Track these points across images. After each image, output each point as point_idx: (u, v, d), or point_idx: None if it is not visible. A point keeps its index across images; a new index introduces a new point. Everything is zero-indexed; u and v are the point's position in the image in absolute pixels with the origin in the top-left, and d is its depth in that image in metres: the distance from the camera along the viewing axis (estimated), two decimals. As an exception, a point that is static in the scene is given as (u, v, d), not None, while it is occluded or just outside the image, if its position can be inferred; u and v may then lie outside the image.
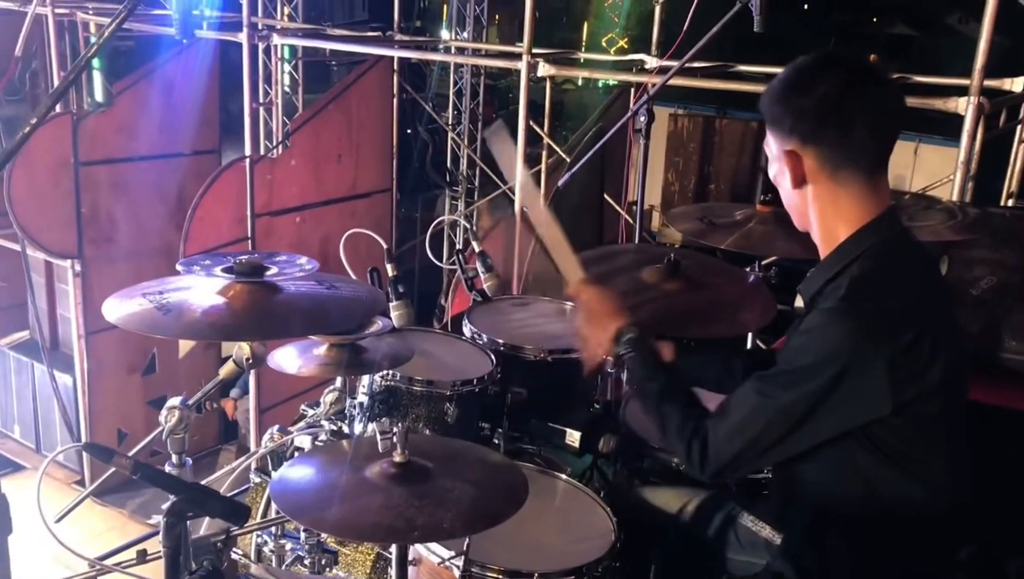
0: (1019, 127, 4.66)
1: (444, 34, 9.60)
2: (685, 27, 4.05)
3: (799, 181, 1.72)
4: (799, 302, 3.77)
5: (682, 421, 1.76)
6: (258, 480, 2.69)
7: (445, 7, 10.51)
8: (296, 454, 2.52)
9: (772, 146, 1.77)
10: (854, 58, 1.71)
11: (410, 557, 2.07)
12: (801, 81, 1.71)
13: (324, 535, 2.41)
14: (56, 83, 6.69)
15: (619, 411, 2.58)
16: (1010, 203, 4.65)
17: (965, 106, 3.63)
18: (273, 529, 2.44)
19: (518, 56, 5.08)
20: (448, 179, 8.52)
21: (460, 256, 3.34)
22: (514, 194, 5.35)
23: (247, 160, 5.98)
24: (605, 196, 5.95)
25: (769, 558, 2.02)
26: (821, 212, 1.73)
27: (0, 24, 7.00)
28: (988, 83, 3.73)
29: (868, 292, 1.63)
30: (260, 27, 6.27)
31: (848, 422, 1.61)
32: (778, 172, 1.77)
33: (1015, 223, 3.50)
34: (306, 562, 2.41)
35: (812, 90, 1.67)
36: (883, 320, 1.59)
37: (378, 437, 1.87)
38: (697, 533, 2.17)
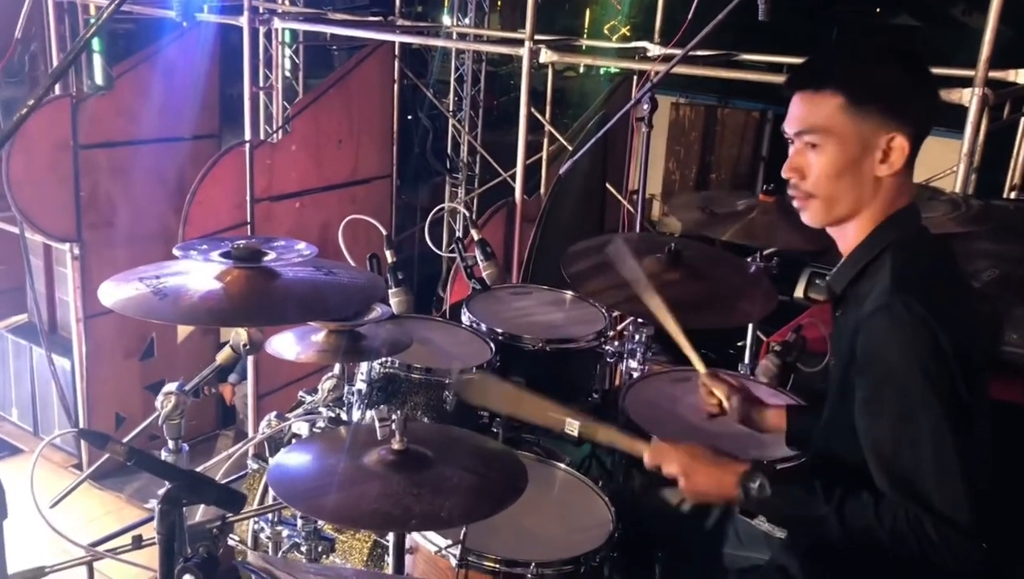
0: (1023, 119, 4.64)
1: (446, 20, 9.55)
2: (690, 15, 4.02)
3: (894, 170, 1.63)
4: (799, 292, 3.76)
5: (889, 530, 1.53)
6: (255, 466, 2.68)
7: (447, -7, 10.46)
8: (294, 441, 2.52)
9: (850, 128, 1.63)
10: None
11: (407, 545, 2.07)
12: (882, 59, 1.65)
13: (321, 522, 2.41)
14: (55, 65, 6.65)
15: (618, 400, 2.57)
16: (1013, 195, 4.63)
17: (969, 97, 3.61)
18: (270, 516, 2.43)
19: (520, 42, 5.05)
20: (449, 166, 8.49)
21: (460, 244, 3.33)
22: (514, 182, 5.33)
23: (247, 145, 5.95)
24: (607, 184, 5.92)
25: (768, 552, 2.01)
26: (881, 204, 1.66)
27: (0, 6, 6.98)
28: (992, 74, 3.71)
29: (918, 281, 1.59)
30: (261, 10, 6.23)
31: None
32: (853, 157, 1.63)
33: (1018, 216, 3.49)
34: (303, 549, 2.40)
35: (898, 67, 1.63)
36: (943, 308, 1.55)
37: (376, 424, 1.86)
38: (695, 526, 2.17)
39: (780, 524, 1.84)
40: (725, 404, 2.15)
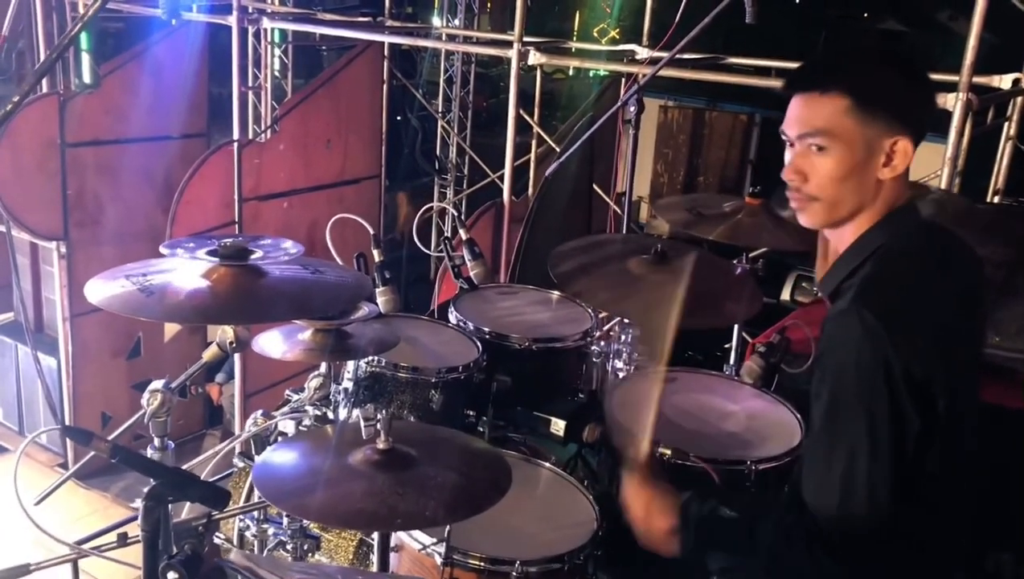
0: (1006, 124, 4.68)
1: (435, 21, 9.56)
2: (677, 18, 4.04)
3: (899, 169, 1.63)
4: (785, 294, 3.75)
5: (784, 538, 1.54)
6: (241, 465, 2.68)
7: (437, -6, 10.47)
8: (280, 439, 2.52)
9: (856, 131, 1.61)
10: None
11: (392, 544, 2.07)
12: (884, 64, 1.65)
13: (307, 521, 2.41)
14: (42, 62, 6.62)
15: (604, 400, 2.58)
16: (996, 200, 4.67)
17: (954, 102, 3.64)
18: (255, 514, 2.43)
19: (509, 44, 5.06)
20: (437, 167, 8.49)
21: (448, 244, 3.33)
22: (502, 183, 5.34)
23: (235, 144, 5.94)
24: (594, 186, 5.94)
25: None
26: (882, 202, 1.65)
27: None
28: (977, 80, 3.74)
29: (881, 291, 1.58)
30: (250, 10, 6.22)
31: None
32: (858, 160, 1.61)
33: (1001, 219, 3.52)
34: (288, 547, 2.40)
35: (898, 74, 1.64)
36: (899, 322, 1.52)
37: (362, 424, 1.86)
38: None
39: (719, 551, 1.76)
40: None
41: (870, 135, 1.61)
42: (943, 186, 3.71)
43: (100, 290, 1.84)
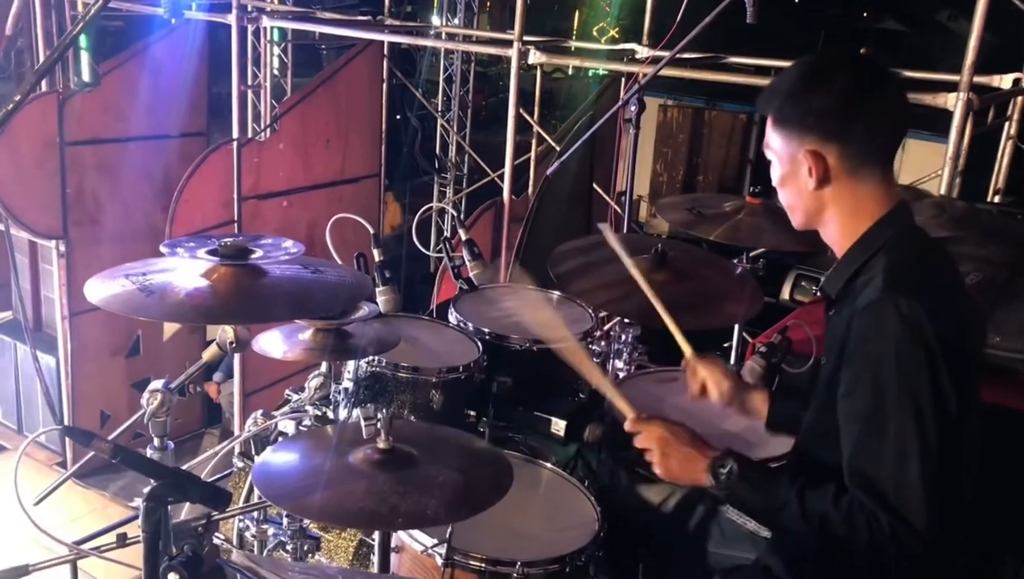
0: (1007, 124, 4.68)
1: (435, 20, 9.56)
2: (679, 17, 4.04)
3: (821, 181, 1.70)
4: (785, 294, 3.77)
5: (844, 518, 1.57)
6: (241, 465, 2.67)
7: (436, -7, 10.46)
8: (280, 439, 2.51)
9: (781, 147, 1.75)
10: (860, 56, 1.75)
11: (393, 544, 2.07)
12: (818, 78, 1.71)
13: (307, 521, 2.40)
14: (42, 62, 6.62)
15: (604, 401, 2.58)
16: (997, 200, 4.67)
17: (954, 102, 3.63)
18: (255, 514, 2.43)
19: (509, 43, 5.05)
20: (437, 166, 8.49)
21: (447, 244, 3.33)
22: (502, 182, 5.34)
23: (234, 143, 5.93)
24: (594, 185, 5.94)
25: (753, 552, 2.02)
26: (840, 211, 1.73)
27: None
28: (977, 79, 3.74)
29: (906, 279, 1.62)
30: (249, 9, 6.21)
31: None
32: (787, 173, 1.75)
33: (1001, 220, 3.52)
34: (288, 547, 2.40)
35: (831, 86, 1.68)
36: (933, 304, 1.57)
37: (362, 423, 1.86)
38: (680, 524, 2.18)
39: (747, 511, 1.89)
40: (709, 386, 2.16)
41: (790, 148, 1.73)
42: (944, 185, 3.71)
43: (100, 290, 1.83)
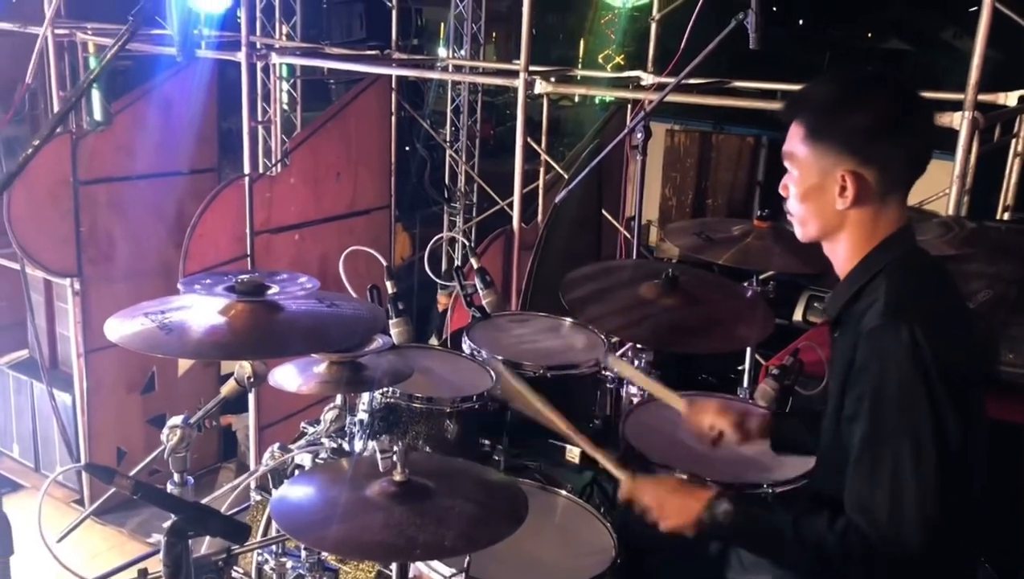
0: (1013, 141, 4.69)
1: (442, 52, 9.64)
2: (682, 44, 4.08)
3: (856, 202, 1.68)
4: (797, 315, 3.80)
5: (838, 540, 1.58)
6: (259, 498, 2.69)
7: (443, 25, 10.56)
8: (297, 472, 2.53)
9: (811, 161, 1.71)
10: (896, 76, 1.73)
11: (411, 575, 2.07)
12: (860, 97, 1.69)
13: (325, 553, 2.41)
14: (55, 103, 6.71)
15: (619, 427, 2.58)
16: (1006, 217, 4.67)
17: (960, 121, 3.65)
18: (274, 547, 2.44)
19: (515, 73, 5.10)
20: (446, 196, 8.54)
21: (459, 273, 3.35)
22: (512, 210, 5.37)
23: (246, 178, 5.99)
24: (603, 211, 5.96)
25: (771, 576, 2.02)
26: (857, 232, 1.72)
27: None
28: (982, 97, 3.76)
29: (908, 304, 1.62)
30: (259, 46, 6.30)
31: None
32: (813, 187, 1.72)
33: (1011, 237, 3.52)
34: (307, 580, 2.40)
35: (874, 107, 1.66)
36: (934, 330, 1.57)
37: (378, 456, 1.87)
38: (699, 552, 2.17)
39: (747, 548, 1.89)
40: (721, 428, 2.19)
41: (824, 164, 1.70)
42: (952, 203, 3.72)
43: (120, 328, 1.86)
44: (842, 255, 1.76)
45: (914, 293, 1.66)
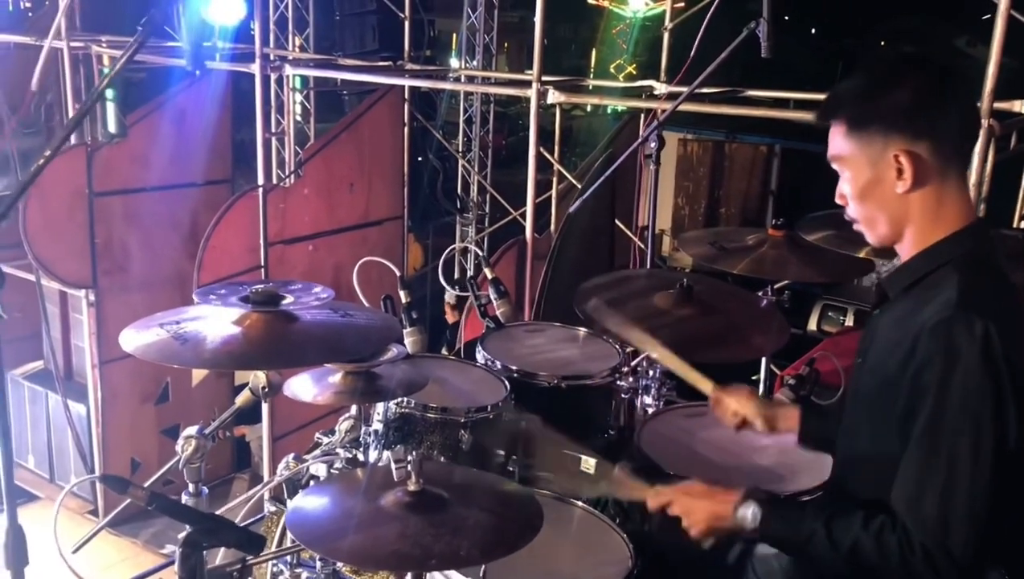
0: (1030, 148, 4.66)
1: (454, 63, 9.68)
2: (692, 53, 4.07)
3: (914, 183, 1.63)
4: (812, 324, 3.74)
5: (874, 540, 1.55)
6: (273, 509, 2.68)
7: (455, 36, 10.61)
8: (311, 482, 2.52)
9: (860, 153, 1.67)
10: (923, 55, 1.71)
11: (426, 586, 2.06)
12: (893, 77, 1.66)
13: (340, 563, 2.40)
14: (71, 115, 6.76)
15: (634, 437, 2.57)
16: (1023, 225, 4.64)
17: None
18: (289, 558, 2.43)
19: (528, 83, 5.11)
20: (459, 206, 8.55)
21: (472, 283, 3.35)
22: (525, 220, 5.37)
23: (260, 189, 6.02)
24: (616, 221, 5.96)
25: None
26: (923, 216, 1.66)
27: (15, 58, 7.11)
28: (998, 105, 3.74)
29: (985, 299, 1.57)
30: (272, 58, 6.33)
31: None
32: (870, 180, 1.67)
33: (1028, 245, 3.49)
34: (321, 591, 2.40)
35: (910, 83, 1.64)
36: (1007, 330, 1.52)
37: (393, 466, 1.87)
38: (715, 563, 2.16)
39: (778, 546, 1.84)
40: (746, 414, 2.17)
41: (872, 153, 1.66)
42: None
43: (135, 339, 1.87)
44: (909, 242, 1.70)
45: (987, 291, 1.61)
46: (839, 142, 1.70)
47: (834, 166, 1.74)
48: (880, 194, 1.67)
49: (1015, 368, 1.50)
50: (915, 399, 1.56)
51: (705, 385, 2.28)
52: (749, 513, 1.72)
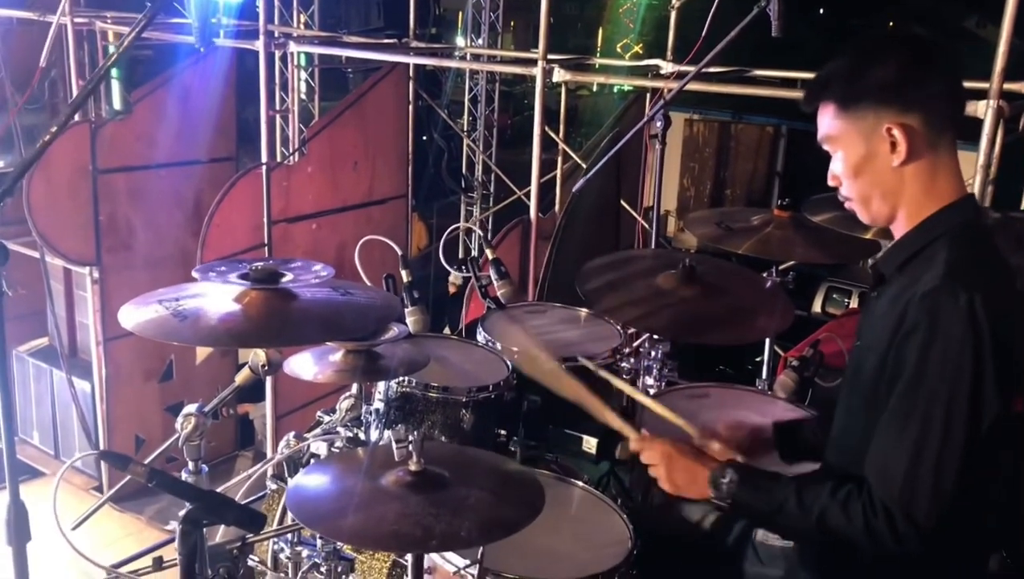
0: (1039, 130, 4.62)
1: (459, 41, 9.62)
2: (704, 32, 4.03)
3: (907, 155, 1.63)
4: (816, 306, 3.73)
5: (840, 506, 1.58)
6: (274, 487, 2.69)
7: (460, 14, 10.54)
8: (312, 461, 2.52)
9: (851, 131, 1.68)
10: (903, 30, 1.74)
11: (425, 566, 2.07)
12: (879, 53, 1.68)
13: (340, 542, 2.41)
14: (75, 91, 6.74)
15: (635, 419, 2.56)
16: (1031, 207, 4.60)
17: (984, 110, 3.60)
18: (289, 536, 2.44)
19: (533, 62, 5.07)
20: (464, 185, 8.52)
21: (474, 263, 3.33)
22: (529, 200, 5.34)
23: (263, 167, 6.00)
24: (621, 201, 5.93)
25: (785, 568, 2.00)
26: (917, 190, 1.67)
27: (18, 34, 7.08)
28: (1007, 86, 3.70)
29: (969, 272, 1.58)
30: (277, 35, 6.28)
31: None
32: (863, 157, 1.68)
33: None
34: (322, 569, 2.40)
35: (895, 58, 1.66)
36: (993, 301, 1.53)
37: (394, 446, 1.86)
38: (715, 544, 2.16)
39: (751, 517, 1.89)
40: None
41: (864, 129, 1.67)
42: (976, 194, 3.67)
43: (134, 316, 1.86)
44: (903, 219, 1.71)
45: (976, 262, 1.62)
46: (829, 122, 1.72)
47: (826, 147, 1.75)
48: (874, 169, 1.69)
49: (1000, 340, 1.50)
50: (898, 367, 1.57)
51: (689, 429, 2.14)
52: (725, 478, 1.74)
